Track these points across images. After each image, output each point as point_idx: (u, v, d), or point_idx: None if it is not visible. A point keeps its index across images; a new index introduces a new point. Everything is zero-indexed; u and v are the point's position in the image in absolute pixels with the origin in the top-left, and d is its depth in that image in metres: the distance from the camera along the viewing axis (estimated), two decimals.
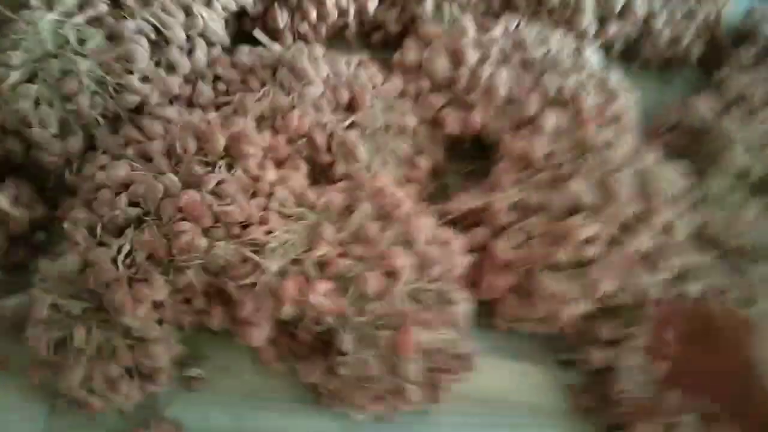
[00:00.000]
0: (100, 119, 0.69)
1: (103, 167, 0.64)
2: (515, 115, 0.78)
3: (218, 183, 0.62)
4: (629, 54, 1.02)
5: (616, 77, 0.85)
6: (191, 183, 0.61)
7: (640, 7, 0.95)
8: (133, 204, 0.61)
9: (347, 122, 0.72)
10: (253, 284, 0.60)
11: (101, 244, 0.59)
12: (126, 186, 0.61)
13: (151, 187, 0.60)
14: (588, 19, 0.93)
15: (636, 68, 1.02)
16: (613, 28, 0.95)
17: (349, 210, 0.65)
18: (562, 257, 0.67)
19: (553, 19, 0.93)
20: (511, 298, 0.71)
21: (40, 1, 0.69)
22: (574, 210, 0.69)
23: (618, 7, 0.93)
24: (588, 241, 0.68)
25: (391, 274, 0.61)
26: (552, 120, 0.76)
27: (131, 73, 0.69)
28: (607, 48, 0.98)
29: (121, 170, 0.62)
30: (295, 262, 0.62)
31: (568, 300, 0.68)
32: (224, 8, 0.79)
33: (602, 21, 0.95)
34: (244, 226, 0.62)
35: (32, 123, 0.65)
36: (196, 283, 0.59)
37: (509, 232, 0.69)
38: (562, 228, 0.67)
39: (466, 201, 0.72)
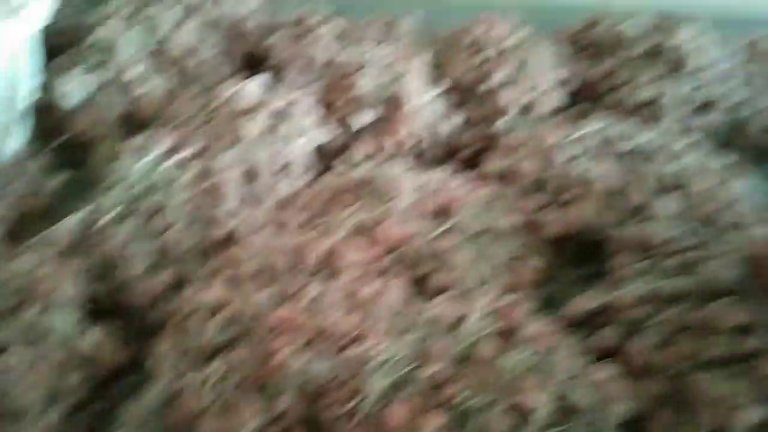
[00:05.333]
0: (189, 254, 0.68)
1: (193, 297, 0.60)
2: (620, 208, 0.72)
3: (315, 297, 0.57)
4: (727, 147, 0.96)
5: (718, 163, 0.79)
6: (286, 300, 0.57)
7: (728, 95, 0.91)
8: (225, 327, 0.56)
9: (441, 229, 0.68)
10: (354, 411, 0.52)
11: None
12: (217, 310, 0.57)
13: (244, 307, 0.56)
14: (671, 115, 0.90)
15: (736, 162, 0.96)
16: (702, 121, 0.91)
17: (458, 324, 0.58)
18: (717, 351, 0.56)
19: (638, 119, 0.90)
20: (662, 411, 0.58)
21: (134, 148, 0.72)
22: (716, 295, 0.59)
23: (704, 99, 0.90)
24: (743, 329, 0.57)
25: (521, 413, 0.51)
26: (666, 206, 0.69)
27: (221, 205, 0.69)
28: (701, 141, 0.93)
29: (212, 293, 0.58)
30: (402, 383, 0.54)
31: (737, 405, 0.55)
32: (310, 141, 0.81)
33: (691, 114, 0.92)
34: (344, 343, 0.55)
35: (121, 262, 0.65)
36: (292, 410, 0.52)
37: (645, 328, 0.59)
38: (707, 316, 0.57)
39: (587, 302, 0.64)
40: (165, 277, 0.66)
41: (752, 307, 0.57)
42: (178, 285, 0.67)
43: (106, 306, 0.67)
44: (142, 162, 0.71)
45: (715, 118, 0.92)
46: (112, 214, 0.67)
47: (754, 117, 0.94)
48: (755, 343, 0.56)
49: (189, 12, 1.00)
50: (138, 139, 0.74)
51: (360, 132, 0.85)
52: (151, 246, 0.67)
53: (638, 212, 0.71)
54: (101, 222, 0.65)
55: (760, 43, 0.98)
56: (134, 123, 0.89)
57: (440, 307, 0.59)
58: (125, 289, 0.65)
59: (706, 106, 0.92)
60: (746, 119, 0.93)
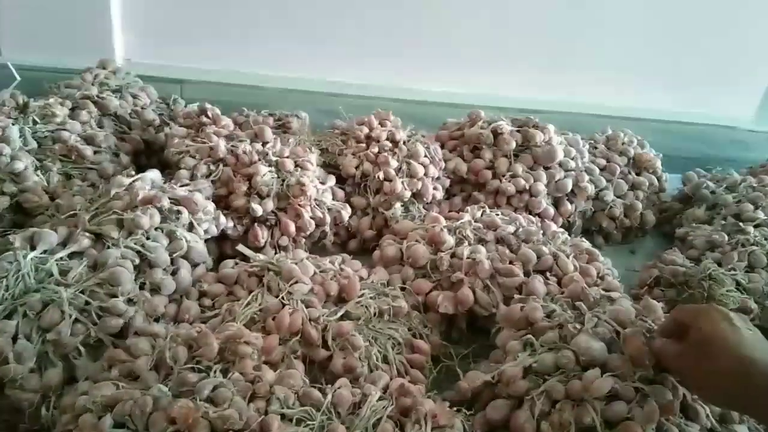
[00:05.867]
0: (81, 348, 0.65)
1: (84, 393, 0.58)
2: (504, 286, 0.78)
3: (214, 388, 0.57)
4: (592, 229, 1.08)
5: (586, 244, 0.89)
6: (184, 392, 0.56)
7: (589, 184, 1.03)
8: (119, 425, 0.54)
9: (340, 313, 0.71)
10: None
11: None
12: (110, 407, 0.55)
13: (139, 402, 0.54)
14: (544, 202, 1.00)
15: (601, 242, 1.08)
16: (568, 207, 1.02)
17: (358, 407, 0.61)
18: (591, 418, 0.62)
19: (513, 206, 1.00)
20: None
21: (22, 241, 0.70)
22: (588, 365, 0.65)
23: (568, 188, 1.01)
24: (610, 397, 0.63)
25: None
26: (541, 284, 0.76)
27: (115, 296, 0.68)
28: (569, 225, 1.04)
29: (106, 390, 0.57)
30: None
31: None
32: (207, 232, 0.82)
33: (558, 201, 1.03)
34: None
35: (8, 359, 0.61)
36: None
37: (531, 399, 0.64)
38: (582, 385, 0.63)
39: (477, 376, 0.68)
40: (55, 373, 0.63)
41: (618, 376, 0.64)
42: (69, 380, 0.64)
43: None
44: (32, 254, 0.69)
45: (581, 203, 1.04)
46: None
47: (613, 202, 1.07)
48: (621, 409, 0.62)
49: (83, 104, 1.00)
50: (28, 231, 0.72)
51: (260, 220, 0.88)
52: (41, 341, 0.64)
53: (520, 290, 0.78)
54: None
55: (613, 138, 1.13)
56: (24, 214, 0.86)
57: (341, 390, 0.61)
58: (12, 387, 0.61)
59: (573, 194, 1.03)
60: (607, 204, 1.06)
